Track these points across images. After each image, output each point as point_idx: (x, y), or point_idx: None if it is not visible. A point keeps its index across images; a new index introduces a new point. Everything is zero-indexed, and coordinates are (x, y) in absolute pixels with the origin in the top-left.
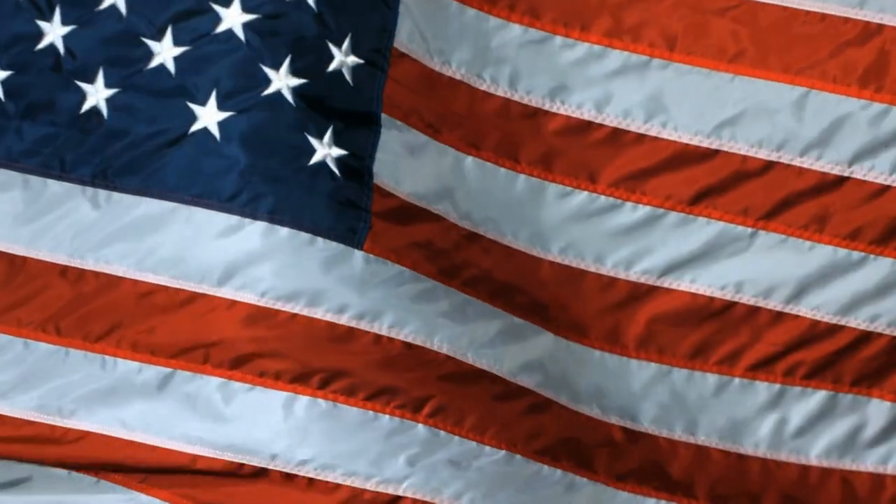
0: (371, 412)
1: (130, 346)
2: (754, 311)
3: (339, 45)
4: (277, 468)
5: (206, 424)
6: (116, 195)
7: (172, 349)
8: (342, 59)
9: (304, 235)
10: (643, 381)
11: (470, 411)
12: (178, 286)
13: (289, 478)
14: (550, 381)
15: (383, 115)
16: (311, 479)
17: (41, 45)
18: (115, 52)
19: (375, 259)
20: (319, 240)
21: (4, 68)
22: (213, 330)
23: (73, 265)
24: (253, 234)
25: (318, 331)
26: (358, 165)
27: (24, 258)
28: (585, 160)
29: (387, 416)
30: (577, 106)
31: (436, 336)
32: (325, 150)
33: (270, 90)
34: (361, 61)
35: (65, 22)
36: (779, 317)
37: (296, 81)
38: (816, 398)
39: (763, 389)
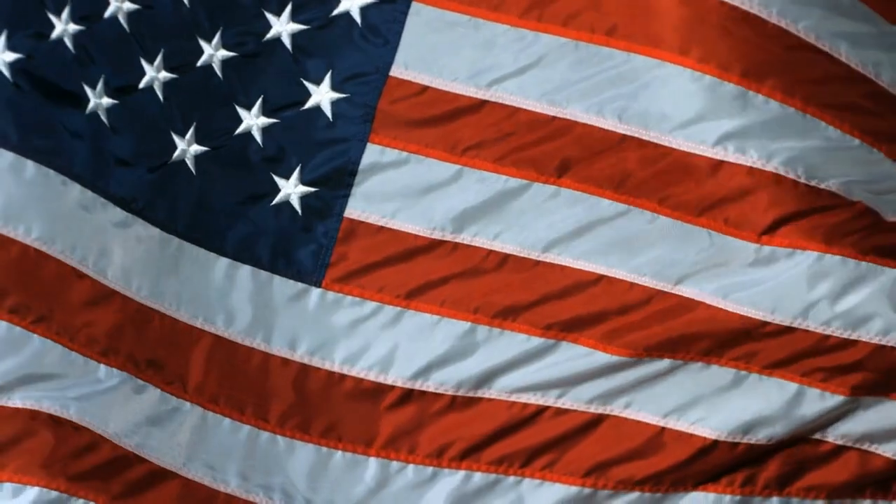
0: None
1: None
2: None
3: (317, 82)
4: None
5: None
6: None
7: None
8: (321, 95)
9: (264, 273)
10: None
11: None
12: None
13: None
14: None
15: (369, 145)
16: None
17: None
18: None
19: (334, 295)
20: (277, 278)
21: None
22: None
23: None
24: (218, 270)
25: (274, 367)
26: (325, 203)
27: None
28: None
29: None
30: (595, 113)
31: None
32: (290, 189)
33: (241, 129)
34: (344, 95)
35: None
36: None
37: (266, 121)
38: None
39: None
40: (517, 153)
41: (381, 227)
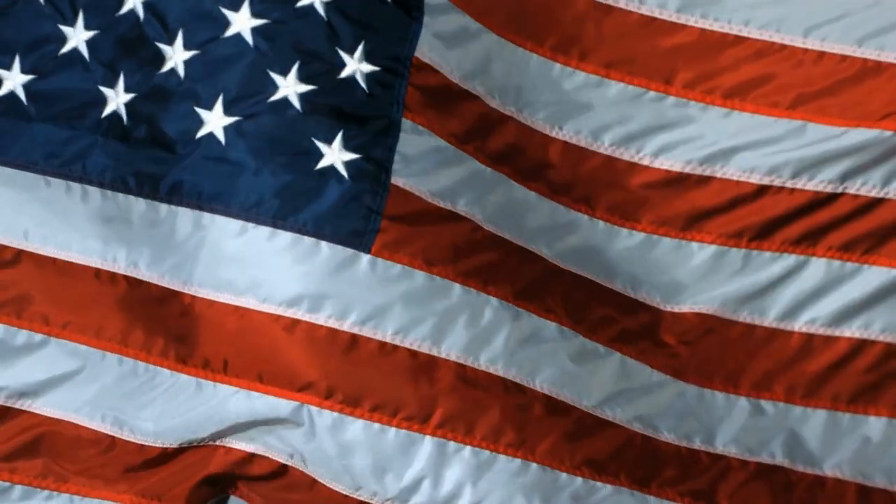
0: (377, 424)
1: None
2: (750, 328)
3: (350, 52)
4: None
5: None
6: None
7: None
8: (355, 66)
9: (308, 240)
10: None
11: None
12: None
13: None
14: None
15: (404, 120)
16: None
17: (65, 49)
18: (131, 55)
19: (384, 262)
20: (323, 244)
21: (27, 72)
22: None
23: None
24: (257, 239)
25: (319, 338)
26: (372, 168)
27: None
28: (584, 184)
29: (393, 430)
30: (575, 132)
31: (443, 342)
32: (335, 155)
33: (278, 96)
34: (377, 68)
35: (87, 27)
36: (773, 333)
37: (304, 87)
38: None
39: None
40: (526, 164)
41: (423, 202)
